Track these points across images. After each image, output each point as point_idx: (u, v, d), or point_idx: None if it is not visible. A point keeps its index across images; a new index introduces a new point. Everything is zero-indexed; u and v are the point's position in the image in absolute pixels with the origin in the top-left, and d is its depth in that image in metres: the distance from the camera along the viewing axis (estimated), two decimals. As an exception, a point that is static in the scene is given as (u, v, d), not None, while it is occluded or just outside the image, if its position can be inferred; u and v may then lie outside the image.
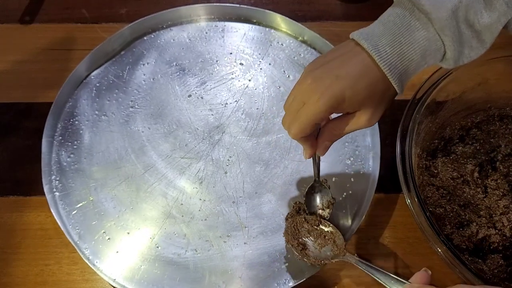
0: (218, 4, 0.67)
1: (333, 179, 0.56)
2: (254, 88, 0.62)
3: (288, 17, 0.65)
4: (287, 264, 0.51)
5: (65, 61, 0.66)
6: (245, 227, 0.54)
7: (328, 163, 0.57)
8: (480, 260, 0.50)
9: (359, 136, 0.59)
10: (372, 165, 0.57)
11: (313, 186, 0.52)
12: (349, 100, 0.37)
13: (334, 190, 0.55)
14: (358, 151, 0.58)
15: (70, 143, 0.59)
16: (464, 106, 0.57)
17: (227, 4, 0.67)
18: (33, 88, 0.64)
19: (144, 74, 0.64)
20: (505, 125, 0.58)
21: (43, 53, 0.67)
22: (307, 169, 0.57)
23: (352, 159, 0.58)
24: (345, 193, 0.55)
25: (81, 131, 0.60)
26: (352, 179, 0.56)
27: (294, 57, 0.65)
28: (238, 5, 0.67)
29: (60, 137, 0.59)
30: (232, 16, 0.68)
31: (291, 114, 0.40)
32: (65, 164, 0.57)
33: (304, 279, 0.50)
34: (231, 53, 0.65)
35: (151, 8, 0.68)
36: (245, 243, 0.53)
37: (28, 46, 0.67)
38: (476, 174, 0.55)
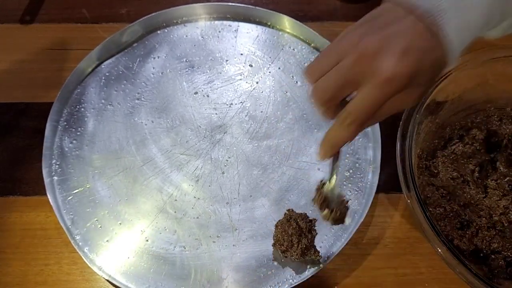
0: (232, 4, 0.67)
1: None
2: (261, 91, 0.62)
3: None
4: (273, 270, 0.51)
5: (65, 61, 0.66)
6: (236, 229, 0.54)
7: (326, 173, 0.56)
8: (480, 261, 0.50)
9: (361, 149, 0.58)
10: (371, 179, 0.56)
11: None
12: (413, 80, 0.31)
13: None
14: (358, 163, 0.58)
15: (74, 129, 0.59)
16: (464, 106, 0.57)
17: (241, 5, 0.67)
18: (33, 88, 0.64)
19: (153, 68, 0.64)
20: (505, 125, 0.58)
21: (43, 53, 0.67)
22: (305, 177, 0.56)
23: (351, 171, 0.57)
24: (340, 206, 0.55)
25: (86, 119, 0.60)
26: (349, 192, 0.56)
27: (304, 63, 0.65)
28: (253, 7, 0.67)
29: (65, 123, 0.60)
30: (247, 17, 0.68)
31: (337, 84, 0.31)
32: (66, 149, 0.58)
33: (290, 286, 0.50)
34: (241, 54, 0.65)
35: (151, 8, 0.68)
36: (234, 245, 0.53)
37: (28, 46, 0.67)
38: (476, 174, 0.55)
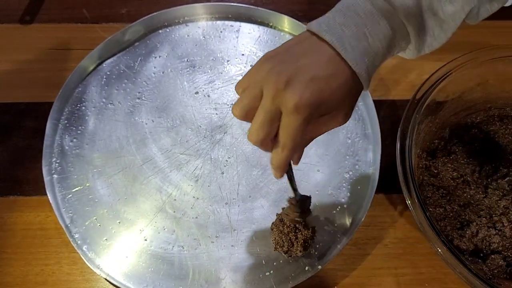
0: (234, 4, 0.67)
1: (329, 192, 0.56)
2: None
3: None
4: (271, 271, 0.51)
5: (65, 61, 0.66)
6: (234, 230, 0.54)
7: (326, 175, 0.57)
8: (480, 260, 0.50)
9: (361, 150, 0.58)
10: (370, 181, 0.56)
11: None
12: (326, 102, 0.34)
13: (328, 202, 0.55)
14: (358, 165, 0.58)
15: (74, 128, 0.60)
16: (464, 106, 0.57)
17: (243, 5, 0.67)
18: (33, 88, 0.64)
19: (154, 67, 0.64)
20: (505, 125, 0.58)
21: (43, 53, 0.67)
22: (304, 178, 0.56)
23: (351, 173, 0.57)
24: (339, 207, 0.55)
25: (86, 117, 0.60)
26: (348, 194, 0.56)
27: None
28: (255, 7, 0.67)
29: (66, 121, 0.60)
30: (248, 17, 0.68)
31: (265, 123, 0.34)
32: (67, 148, 0.58)
33: (289, 287, 0.50)
34: (243, 54, 0.65)
35: (152, 8, 0.68)
36: (232, 246, 0.53)
37: (28, 46, 0.67)
38: (476, 174, 0.55)
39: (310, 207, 0.48)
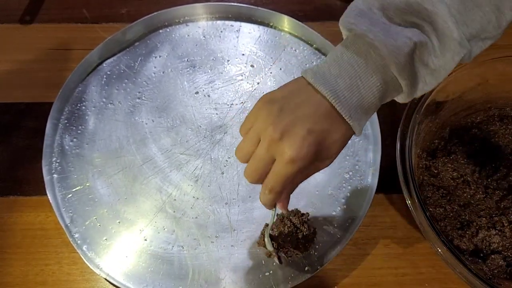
0: (235, 4, 0.67)
1: (329, 192, 0.56)
2: (262, 92, 0.62)
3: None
4: (271, 271, 0.51)
5: (65, 61, 0.66)
6: (234, 230, 0.54)
7: (326, 175, 0.57)
8: (480, 261, 0.50)
9: (361, 150, 0.58)
10: (370, 181, 0.56)
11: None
12: (321, 154, 0.36)
13: (328, 202, 0.55)
14: (358, 166, 0.58)
15: (74, 127, 0.60)
16: (464, 106, 0.57)
17: (243, 5, 0.67)
18: (33, 88, 0.64)
19: (155, 67, 0.64)
20: (505, 125, 0.58)
21: (43, 53, 0.67)
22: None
23: (351, 173, 0.57)
24: (339, 207, 0.55)
25: (86, 117, 0.60)
26: (348, 194, 0.56)
27: (306, 64, 0.65)
28: (255, 7, 0.67)
29: (66, 121, 0.60)
30: (249, 17, 0.68)
31: (258, 167, 0.36)
32: (67, 147, 0.58)
33: (289, 287, 0.50)
34: (243, 54, 0.65)
35: (152, 8, 0.68)
36: (232, 246, 0.53)
37: (28, 46, 0.67)
38: (476, 174, 0.55)
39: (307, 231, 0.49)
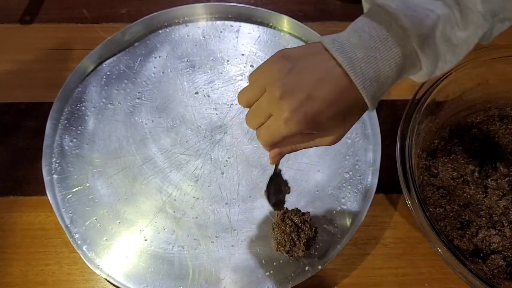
0: (234, 4, 0.67)
1: (329, 192, 0.56)
2: (262, 92, 0.62)
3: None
4: (272, 271, 0.51)
5: (65, 61, 0.66)
6: (234, 230, 0.54)
7: (326, 175, 0.57)
8: (480, 261, 0.50)
9: (361, 150, 0.58)
10: (370, 181, 0.56)
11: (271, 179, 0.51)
12: (320, 125, 0.35)
13: (328, 202, 0.55)
14: (358, 165, 0.58)
15: (74, 128, 0.60)
16: (464, 106, 0.57)
17: (243, 5, 0.67)
18: (33, 88, 0.64)
19: (154, 67, 0.64)
20: (505, 125, 0.58)
21: (43, 53, 0.67)
22: (304, 178, 0.56)
23: (351, 173, 0.57)
24: (339, 207, 0.55)
25: (86, 117, 0.60)
26: (348, 194, 0.56)
27: None
28: (255, 7, 0.67)
29: (66, 121, 0.60)
30: (248, 17, 0.68)
31: (258, 116, 0.37)
32: (67, 148, 0.58)
33: (289, 287, 0.50)
34: (243, 54, 0.65)
35: (151, 8, 0.68)
36: (232, 246, 0.53)
37: (28, 46, 0.67)
38: (476, 174, 0.55)
39: (308, 219, 0.50)
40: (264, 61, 0.37)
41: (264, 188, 0.50)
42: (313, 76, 0.34)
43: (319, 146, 0.39)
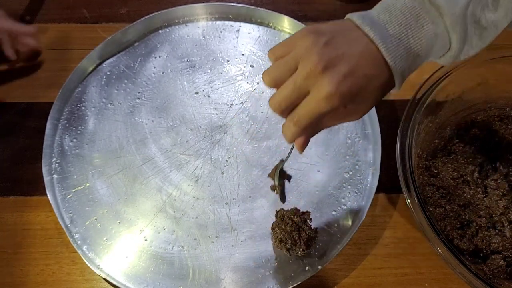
0: (234, 4, 0.67)
1: (329, 192, 0.56)
2: (262, 92, 0.62)
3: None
4: (272, 271, 0.51)
5: (65, 61, 0.66)
6: (235, 230, 0.54)
7: (326, 175, 0.57)
8: (480, 260, 0.50)
9: (361, 150, 0.58)
10: (370, 181, 0.56)
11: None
12: (357, 99, 0.34)
13: (328, 202, 0.55)
14: (358, 165, 0.58)
15: (74, 128, 0.60)
16: (464, 106, 0.57)
17: (243, 5, 0.67)
18: (34, 87, 0.64)
19: (154, 67, 0.64)
20: (505, 125, 0.58)
21: (43, 52, 0.67)
22: (304, 178, 0.56)
23: (351, 173, 0.57)
24: (339, 207, 0.55)
25: (86, 117, 0.61)
26: (348, 194, 0.56)
27: None
28: (255, 7, 0.67)
29: (66, 121, 0.60)
30: (248, 17, 0.68)
31: (289, 97, 0.34)
32: (67, 148, 0.58)
33: (289, 287, 0.50)
34: (243, 54, 0.65)
35: (151, 8, 0.68)
36: (232, 246, 0.53)
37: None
38: (476, 174, 0.55)
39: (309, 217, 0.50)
40: (288, 37, 0.35)
41: (268, 183, 0.50)
42: (353, 51, 0.33)
43: (344, 122, 0.38)
